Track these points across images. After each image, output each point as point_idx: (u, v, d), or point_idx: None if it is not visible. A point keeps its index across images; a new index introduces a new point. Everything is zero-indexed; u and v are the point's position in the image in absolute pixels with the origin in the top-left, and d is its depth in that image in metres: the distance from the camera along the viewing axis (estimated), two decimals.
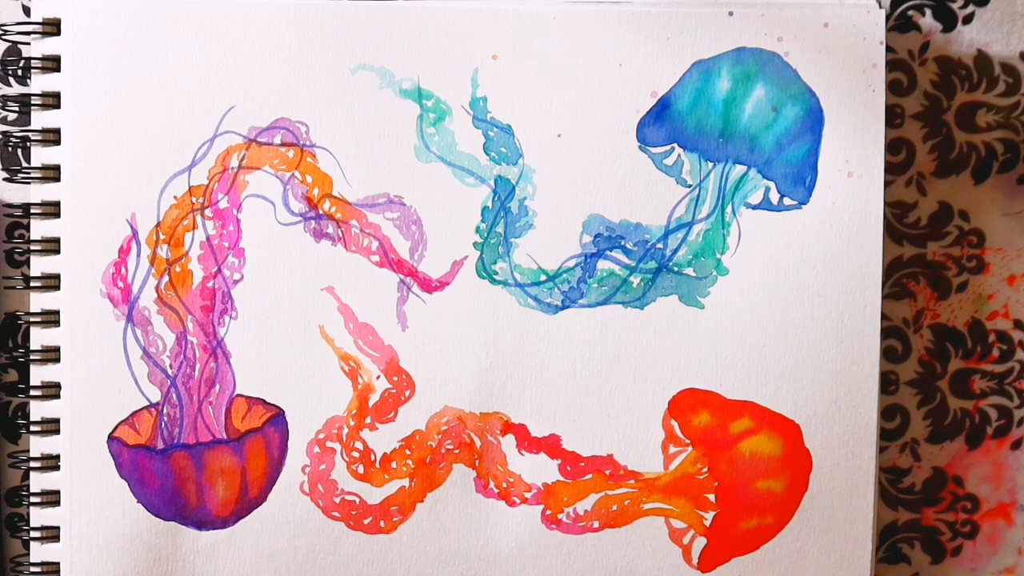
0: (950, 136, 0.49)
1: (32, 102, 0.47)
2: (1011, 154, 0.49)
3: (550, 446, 0.47)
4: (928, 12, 0.48)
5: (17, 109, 0.47)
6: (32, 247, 0.47)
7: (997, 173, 0.49)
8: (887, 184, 0.47)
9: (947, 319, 0.49)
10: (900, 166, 0.49)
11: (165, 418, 0.46)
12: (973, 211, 0.49)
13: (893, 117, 0.48)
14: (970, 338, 0.49)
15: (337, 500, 0.47)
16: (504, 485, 0.47)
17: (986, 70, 0.49)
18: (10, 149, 0.48)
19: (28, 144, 0.47)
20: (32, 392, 0.47)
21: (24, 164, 0.48)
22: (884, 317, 0.47)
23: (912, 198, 0.49)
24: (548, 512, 0.47)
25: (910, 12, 0.48)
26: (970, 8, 0.49)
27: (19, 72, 0.48)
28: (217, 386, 0.46)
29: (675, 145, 0.46)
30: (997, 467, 0.50)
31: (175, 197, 0.46)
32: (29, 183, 0.47)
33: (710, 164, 0.46)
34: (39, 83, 0.47)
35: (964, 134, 0.49)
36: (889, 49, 0.47)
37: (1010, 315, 0.49)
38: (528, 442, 0.47)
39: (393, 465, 0.47)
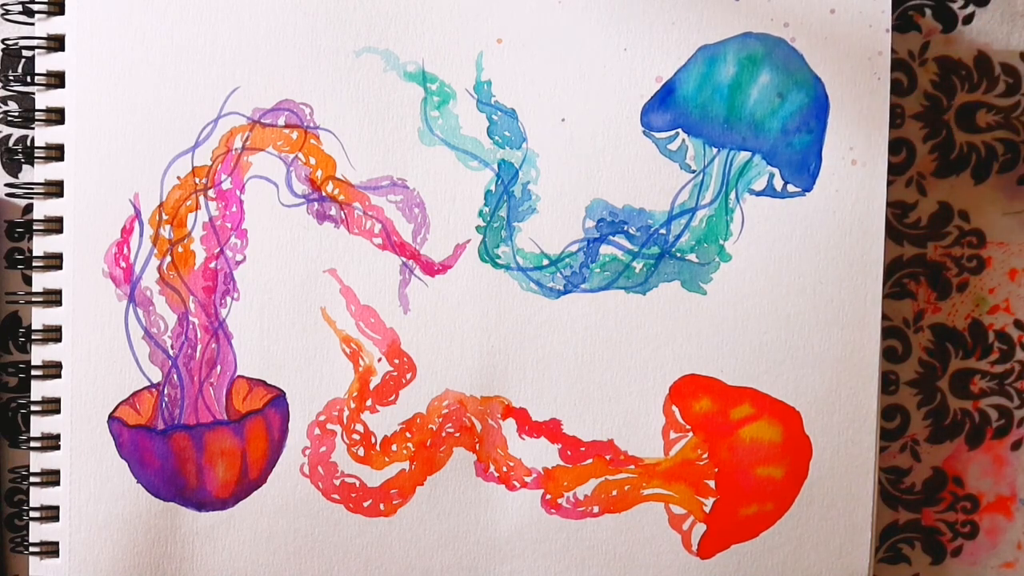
0: (950, 136, 0.49)
1: (36, 82, 0.46)
2: (1011, 154, 0.49)
3: (551, 430, 0.47)
4: (928, 12, 0.48)
5: (20, 91, 0.47)
6: (35, 227, 0.47)
7: (997, 173, 0.49)
8: (887, 184, 0.47)
9: (947, 319, 0.49)
10: (900, 166, 0.49)
11: (166, 399, 0.46)
12: (973, 211, 0.49)
13: (893, 117, 0.48)
14: (970, 338, 0.49)
15: (337, 483, 0.47)
16: (504, 469, 0.47)
17: (986, 70, 0.49)
18: (13, 128, 0.48)
19: (32, 124, 0.47)
20: (33, 372, 0.47)
21: (27, 144, 0.48)
22: (884, 317, 0.47)
23: (912, 198, 0.49)
24: (548, 496, 0.47)
25: (910, 12, 0.48)
26: (970, 8, 0.48)
27: (22, 54, 0.48)
28: (218, 367, 0.46)
29: (679, 130, 0.46)
30: (997, 464, 0.50)
31: (178, 177, 0.46)
32: (33, 163, 0.47)
33: (714, 150, 0.46)
34: (43, 64, 0.47)
35: (964, 134, 0.49)
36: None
37: (1011, 310, 0.49)
38: (529, 426, 0.47)
39: (393, 448, 0.47)
